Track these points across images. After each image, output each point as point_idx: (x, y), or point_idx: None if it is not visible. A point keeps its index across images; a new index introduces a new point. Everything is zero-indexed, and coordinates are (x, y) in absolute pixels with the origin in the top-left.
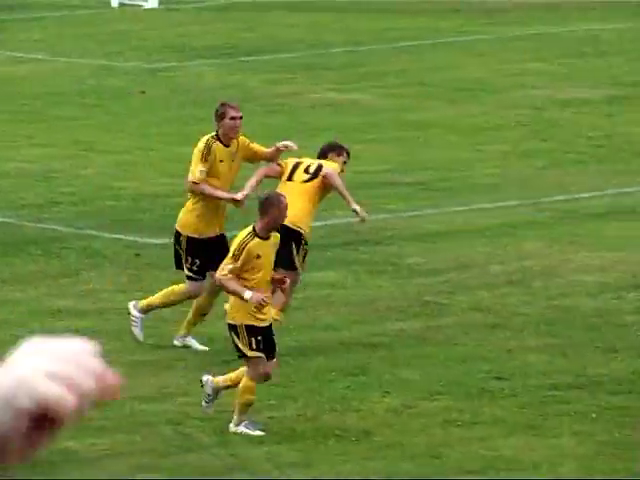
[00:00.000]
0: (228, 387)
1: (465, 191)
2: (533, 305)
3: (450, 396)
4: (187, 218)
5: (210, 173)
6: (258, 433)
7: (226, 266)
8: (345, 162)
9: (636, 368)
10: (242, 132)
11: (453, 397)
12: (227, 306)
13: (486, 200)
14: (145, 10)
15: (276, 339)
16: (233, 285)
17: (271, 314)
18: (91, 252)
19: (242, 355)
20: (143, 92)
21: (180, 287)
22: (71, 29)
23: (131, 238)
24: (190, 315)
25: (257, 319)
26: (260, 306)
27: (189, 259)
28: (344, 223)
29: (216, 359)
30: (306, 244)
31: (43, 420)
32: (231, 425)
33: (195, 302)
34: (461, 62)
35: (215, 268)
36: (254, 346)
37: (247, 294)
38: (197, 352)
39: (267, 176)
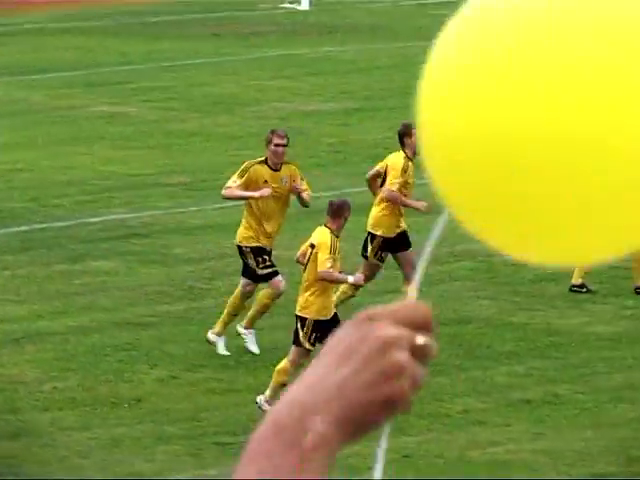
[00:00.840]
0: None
1: (221, 190)
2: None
3: (210, 368)
4: (241, 232)
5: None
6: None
7: (327, 261)
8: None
9: None
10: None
11: (213, 369)
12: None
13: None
14: None
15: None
16: (336, 275)
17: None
18: None
19: (297, 343)
20: None
21: (264, 292)
22: None
23: None
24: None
25: (326, 313)
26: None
27: (258, 260)
28: (119, 219)
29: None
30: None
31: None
32: (261, 398)
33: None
34: (217, 79)
35: (245, 275)
36: (312, 340)
37: (350, 278)
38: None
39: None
